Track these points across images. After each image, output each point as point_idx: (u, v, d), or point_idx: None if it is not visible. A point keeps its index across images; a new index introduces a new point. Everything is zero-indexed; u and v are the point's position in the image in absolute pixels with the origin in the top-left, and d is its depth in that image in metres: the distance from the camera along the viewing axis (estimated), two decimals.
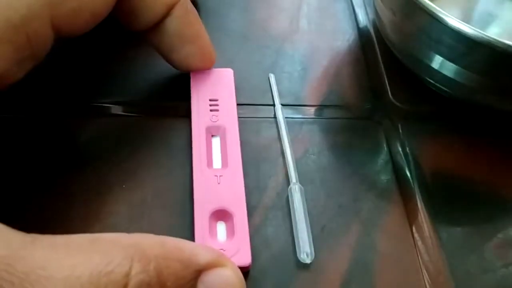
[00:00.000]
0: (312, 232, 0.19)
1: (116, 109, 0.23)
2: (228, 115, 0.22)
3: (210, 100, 0.22)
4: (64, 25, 0.18)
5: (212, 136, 0.21)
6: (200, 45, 0.22)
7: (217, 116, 0.22)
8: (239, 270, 0.16)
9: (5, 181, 0.20)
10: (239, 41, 0.26)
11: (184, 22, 0.21)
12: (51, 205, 0.19)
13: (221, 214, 0.19)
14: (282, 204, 0.20)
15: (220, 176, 0.20)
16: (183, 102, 0.23)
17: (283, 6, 0.29)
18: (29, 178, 0.20)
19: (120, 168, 0.21)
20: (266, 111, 0.23)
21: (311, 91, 0.25)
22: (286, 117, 0.23)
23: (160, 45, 0.22)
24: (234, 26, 0.27)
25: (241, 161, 0.20)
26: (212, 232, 0.19)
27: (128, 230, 0.19)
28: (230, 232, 0.19)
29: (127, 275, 0.13)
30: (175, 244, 0.15)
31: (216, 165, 0.21)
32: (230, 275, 0.15)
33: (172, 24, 0.21)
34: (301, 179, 0.21)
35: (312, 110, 0.24)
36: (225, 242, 0.18)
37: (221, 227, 0.19)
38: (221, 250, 0.18)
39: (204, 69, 0.23)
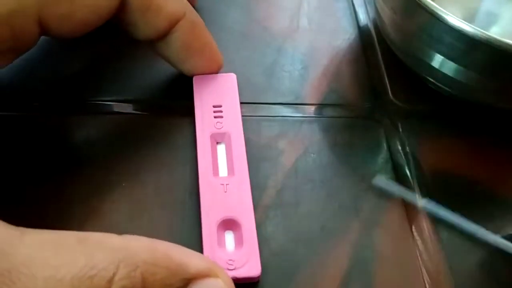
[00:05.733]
0: (312, 232, 0.19)
1: (121, 107, 0.23)
2: (233, 121, 0.21)
3: (214, 106, 0.22)
4: (53, 27, 0.17)
5: (217, 143, 0.21)
6: (207, 56, 0.22)
7: (221, 122, 0.21)
8: (232, 282, 0.16)
9: (4, 179, 0.20)
10: (239, 40, 0.26)
11: (190, 37, 0.21)
12: (50, 203, 0.19)
13: (229, 224, 0.19)
14: (282, 203, 0.20)
15: (226, 184, 0.19)
16: (188, 100, 0.22)
17: (283, 5, 0.28)
18: (28, 176, 0.20)
19: (121, 166, 0.21)
20: (266, 110, 0.23)
21: (311, 90, 0.25)
22: (286, 116, 0.23)
23: (167, 57, 0.22)
24: (234, 25, 0.27)
25: (248, 168, 0.20)
26: (221, 242, 0.18)
27: (128, 229, 0.19)
28: (239, 241, 0.18)
29: (110, 280, 0.13)
30: (165, 249, 0.15)
31: (222, 173, 0.20)
32: (221, 286, 0.15)
33: (178, 39, 0.21)
34: (301, 178, 0.21)
35: (312, 109, 0.24)
36: (233, 252, 0.18)
37: (229, 236, 0.19)
38: (230, 261, 0.17)
39: (210, 73, 0.23)
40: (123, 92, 0.23)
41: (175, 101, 0.23)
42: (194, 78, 0.23)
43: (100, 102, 0.23)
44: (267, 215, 0.20)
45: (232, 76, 0.23)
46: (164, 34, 0.20)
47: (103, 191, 0.20)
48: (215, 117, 0.21)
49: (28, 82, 0.23)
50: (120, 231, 0.19)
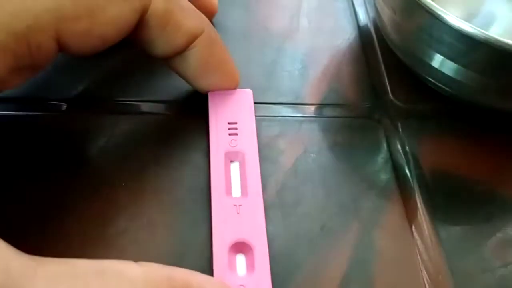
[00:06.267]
0: (311, 232, 0.19)
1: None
2: (248, 139, 0.21)
3: (229, 123, 0.21)
4: (70, 44, 0.17)
5: (231, 161, 0.21)
6: (224, 73, 0.22)
7: (236, 140, 0.21)
8: None
9: (6, 178, 0.20)
10: (239, 40, 0.26)
11: (207, 53, 0.21)
12: (51, 202, 0.19)
13: (241, 246, 0.18)
14: (282, 203, 0.20)
15: (239, 205, 0.19)
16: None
17: (283, 5, 0.28)
18: (29, 174, 0.20)
19: (123, 167, 0.21)
20: (266, 110, 0.23)
21: (311, 89, 0.25)
22: (286, 116, 0.23)
23: (182, 73, 0.21)
24: (234, 24, 0.27)
25: (261, 189, 0.19)
26: (232, 265, 0.18)
27: (127, 228, 0.19)
28: (250, 265, 0.18)
29: None
30: (183, 277, 0.15)
31: (235, 194, 0.20)
32: None
33: (195, 55, 0.20)
34: (301, 178, 0.21)
35: (312, 108, 0.24)
36: (244, 277, 0.17)
37: (240, 260, 0.18)
38: (241, 286, 0.17)
39: (226, 90, 0.22)
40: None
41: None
42: (209, 94, 0.22)
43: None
44: (267, 215, 0.20)
45: (248, 92, 0.22)
46: (182, 50, 0.20)
47: (105, 191, 0.20)
48: (229, 134, 0.21)
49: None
50: (120, 231, 0.19)
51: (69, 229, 0.19)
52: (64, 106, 0.22)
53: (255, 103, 0.23)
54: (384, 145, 0.23)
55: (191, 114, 0.23)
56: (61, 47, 0.17)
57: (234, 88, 0.22)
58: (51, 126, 0.22)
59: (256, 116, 0.23)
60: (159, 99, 0.23)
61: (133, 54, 0.24)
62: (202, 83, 0.22)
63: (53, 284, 0.13)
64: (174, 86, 0.24)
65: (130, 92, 0.23)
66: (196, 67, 0.21)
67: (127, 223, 0.19)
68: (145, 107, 0.23)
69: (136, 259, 0.18)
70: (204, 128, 0.22)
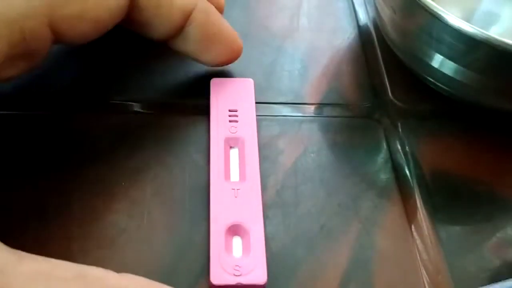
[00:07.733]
0: (311, 231, 0.19)
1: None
2: (247, 126, 0.21)
3: (230, 110, 0.22)
4: (64, 30, 0.17)
5: (231, 147, 0.21)
6: (226, 42, 0.22)
7: (236, 127, 0.21)
8: None
9: (12, 175, 0.20)
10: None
11: (206, 26, 0.21)
12: (50, 201, 0.19)
13: (237, 229, 0.19)
14: (281, 203, 0.20)
15: (237, 189, 0.19)
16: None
17: (283, 4, 0.28)
18: (28, 173, 0.20)
19: (125, 165, 0.21)
20: (266, 109, 0.23)
21: (311, 89, 0.25)
22: (286, 115, 0.23)
23: (186, 51, 0.21)
24: (234, 24, 0.27)
25: (260, 175, 0.20)
26: (228, 247, 0.18)
27: (127, 228, 0.19)
28: (246, 248, 0.18)
29: None
30: None
31: (234, 178, 0.20)
32: None
33: (195, 30, 0.20)
34: (300, 178, 0.21)
35: (311, 108, 0.24)
36: (240, 258, 0.18)
37: (237, 242, 0.18)
38: (237, 267, 0.17)
39: (233, 60, 0.23)
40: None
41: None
42: (211, 81, 0.23)
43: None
44: (266, 215, 0.20)
45: (250, 81, 0.23)
46: (180, 28, 0.20)
47: (104, 190, 0.20)
48: (230, 121, 0.21)
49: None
50: (120, 231, 0.19)
51: (68, 229, 0.19)
52: (64, 106, 0.22)
53: (255, 102, 0.23)
54: (384, 145, 0.23)
55: (190, 113, 0.23)
56: (55, 34, 0.17)
57: (238, 55, 0.23)
58: (51, 126, 0.22)
59: (256, 115, 0.23)
60: (159, 99, 0.23)
61: (132, 54, 0.24)
62: (207, 57, 0.22)
63: (30, 282, 0.13)
64: (174, 86, 0.24)
65: (130, 91, 0.23)
66: (197, 42, 0.21)
67: (127, 223, 0.19)
68: (144, 106, 0.23)
69: (136, 259, 0.18)
70: (204, 127, 0.22)
